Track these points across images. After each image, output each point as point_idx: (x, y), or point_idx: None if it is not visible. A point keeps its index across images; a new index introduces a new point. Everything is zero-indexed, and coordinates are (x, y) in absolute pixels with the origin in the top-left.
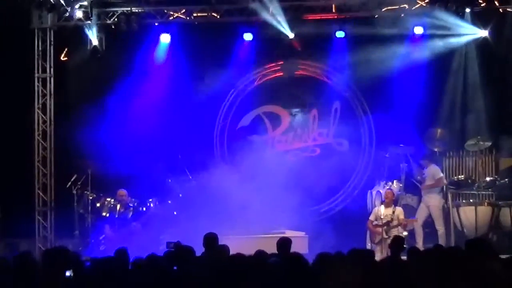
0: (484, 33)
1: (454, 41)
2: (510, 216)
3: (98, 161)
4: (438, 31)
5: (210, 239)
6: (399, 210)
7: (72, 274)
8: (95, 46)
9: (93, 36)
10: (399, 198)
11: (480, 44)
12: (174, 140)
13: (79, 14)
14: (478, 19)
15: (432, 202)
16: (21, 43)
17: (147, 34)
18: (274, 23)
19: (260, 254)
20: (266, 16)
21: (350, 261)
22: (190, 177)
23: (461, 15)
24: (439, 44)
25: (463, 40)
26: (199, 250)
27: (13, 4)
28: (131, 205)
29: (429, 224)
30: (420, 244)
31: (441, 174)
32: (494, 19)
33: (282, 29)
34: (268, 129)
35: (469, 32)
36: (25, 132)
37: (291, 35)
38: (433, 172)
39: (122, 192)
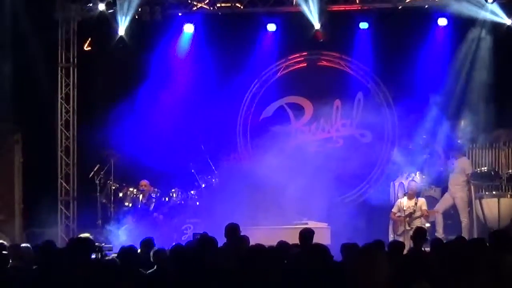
0: (508, 21)
1: (477, 28)
2: None
3: (121, 151)
4: (462, 22)
5: (232, 230)
6: (421, 201)
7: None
8: (121, 36)
9: (121, 26)
10: (422, 190)
11: (504, 34)
12: (197, 131)
13: (102, 4)
14: (503, 10)
15: (459, 193)
16: (45, 33)
17: (170, 25)
18: (304, 11)
19: (282, 244)
20: (294, 5)
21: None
22: (213, 168)
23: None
24: (463, 35)
25: (486, 24)
26: (221, 240)
27: None
28: (154, 195)
29: (450, 215)
30: (440, 232)
31: (471, 170)
32: None
33: (310, 19)
34: (291, 120)
35: (493, 18)
36: (48, 122)
37: (317, 25)
38: (465, 166)
39: (144, 182)
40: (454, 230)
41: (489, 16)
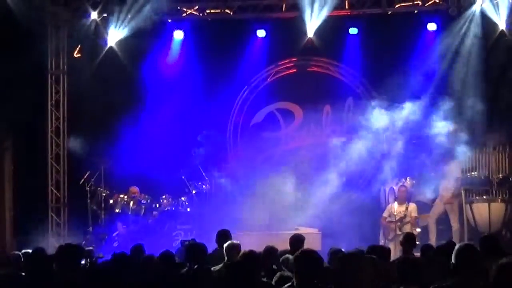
0: (502, 25)
1: (468, 35)
2: None
3: (112, 158)
4: (451, 27)
5: (223, 236)
6: (412, 207)
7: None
8: (108, 43)
9: (107, 33)
10: (412, 195)
11: (496, 38)
12: (188, 137)
13: (93, 10)
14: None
15: (449, 198)
16: (35, 40)
17: (160, 31)
18: (296, 21)
19: (269, 250)
20: (284, 11)
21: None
22: (203, 174)
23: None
24: (452, 40)
25: (477, 33)
26: (212, 247)
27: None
28: (144, 201)
29: (442, 221)
30: (433, 240)
31: (460, 174)
32: None
33: (307, 25)
34: (281, 126)
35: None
36: (38, 129)
37: (311, 34)
38: (454, 170)
39: (134, 189)
40: (445, 236)
41: (480, 21)
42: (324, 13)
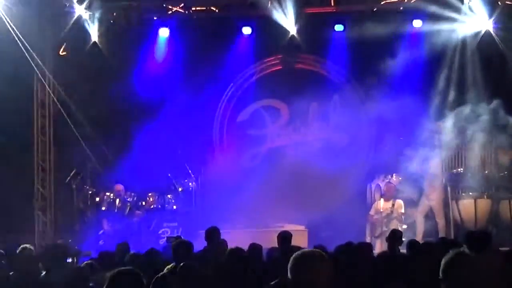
0: (487, 25)
1: (453, 33)
2: (509, 209)
3: (98, 156)
4: (437, 24)
5: (212, 233)
6: (398, 203)
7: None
8: (94, 41)
9: (93, 31)
10: (398, 191)
11: (482, 36)
12: (174, 135)
13: (78, 8)
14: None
15: (434, 195)
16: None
17: (146, 29)
18: (277, 18)
19: (254, 247)
20: (268, 11)
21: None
22: (190, 171)
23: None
24: (438, 37)
25: (463, 31)
26: (198, 244)
27: None
28: (129, 199)
29: (429, 217)
30: (419, 237)
31: (441, 171)
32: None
33: (285, 25)
34: (267, 123)
35: (470, 20)
36: (24, 127)
37: (293, 31)
38: (439, 166)
39: (119, 187)
40: (432, 232)
41: (466, 19)
42: (309, 10)
